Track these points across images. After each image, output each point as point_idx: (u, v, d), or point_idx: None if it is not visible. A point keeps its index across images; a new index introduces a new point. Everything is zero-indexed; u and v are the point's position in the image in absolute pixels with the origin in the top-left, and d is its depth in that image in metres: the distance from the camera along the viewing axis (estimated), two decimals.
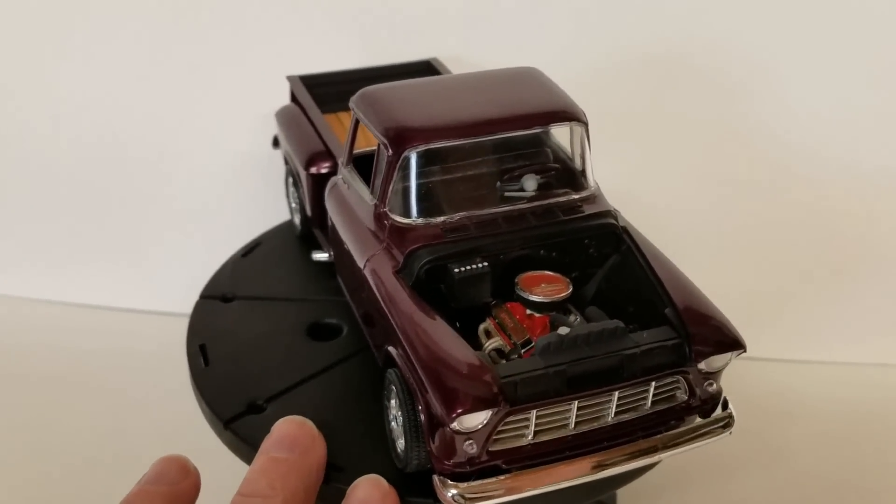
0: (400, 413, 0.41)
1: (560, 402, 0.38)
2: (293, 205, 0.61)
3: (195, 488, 0.41)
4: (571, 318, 0.43)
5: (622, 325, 0.39)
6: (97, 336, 0.74)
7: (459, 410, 0.36)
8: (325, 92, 0.62)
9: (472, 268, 0.42)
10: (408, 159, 0.44)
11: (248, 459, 0.44)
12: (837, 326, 0.70)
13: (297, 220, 0.61)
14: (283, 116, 0.62)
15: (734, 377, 0.43)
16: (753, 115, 0.67)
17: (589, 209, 0.45)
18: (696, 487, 0.60)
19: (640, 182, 0.65)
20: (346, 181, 0.49)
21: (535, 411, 0.38)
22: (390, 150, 0.44)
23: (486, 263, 0.43)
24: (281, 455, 0.40)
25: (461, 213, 0.44)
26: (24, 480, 0.61)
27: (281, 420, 0.42)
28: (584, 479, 0.39)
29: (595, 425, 0.39)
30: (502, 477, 0.38)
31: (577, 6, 0.65)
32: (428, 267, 0.42)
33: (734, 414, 0.42)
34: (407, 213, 0.44)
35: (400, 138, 0.43)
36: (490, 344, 0.42)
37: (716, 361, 0.40)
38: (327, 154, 0.55)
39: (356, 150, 0.50)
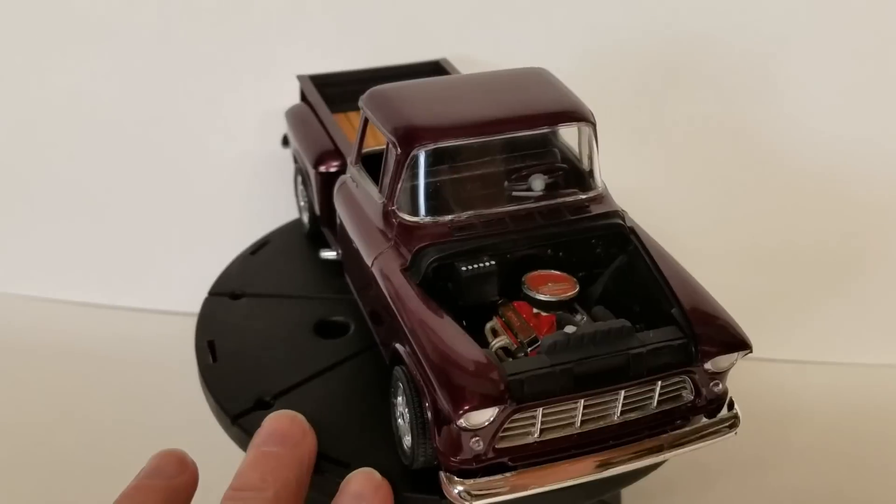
0: (407, 410, 0.41)
1: (566, 400, 0.38)
2: (302, 203, 0.62)
3: (193, 482, 0.41)
4: (578, 317, 0.43)
5: (629, 325, 0.39)
6: (106, 335, 0.74)
7: (466, 407, 0.36)
8: (335, 91, 0.63)
9: (479, 266, 0.43)
10: (416, 158, 0.44)
11: None
12: (843, 327, 0.70)
13: (305, 218, 0.61)
14: (292, 115, 0.62)
15: (739, 377, 0.43)
16: (758, 115, 0.67)
17: (596, 209, 0.45)
18: (699, 488, 0.60)
19: (645, 182, 0.65)
20: (355, 180, 0.50)
21: (541, 409, 0.38)
22: (399, 149, 0.44)
23: (493, 262, 0.43)
24: (272, 449, 0.40)
25: (469, 212, 0.44)
26: (32, 477, 0.61)
27: (271, 415, 0.43)
28: (589, 478, 0.39)
29: (601, 424, 0.40)
30: (508, 474, 0.38)
31: (584, 7, 0.66)
32: (435, 265, 0.42)
33: (740, 414, 0.42)
34: (415, 212, 0.44)
35: (409, 137, 0.44)
36: (496, 342, 0.42)
37: (722, 361, 0.40)
38: (336, 153, 0.56)
39: (365, 149, 0.50)
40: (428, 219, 0.44)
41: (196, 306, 0.55)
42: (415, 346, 0.39)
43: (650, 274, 0.43)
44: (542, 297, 0.43)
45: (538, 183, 0.46)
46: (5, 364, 0.71)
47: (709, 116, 0.68)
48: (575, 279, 0.44)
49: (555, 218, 0.44)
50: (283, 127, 0.64)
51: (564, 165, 0.47)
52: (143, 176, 0.74)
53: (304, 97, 0.64)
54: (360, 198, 0.49)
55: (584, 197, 0.46)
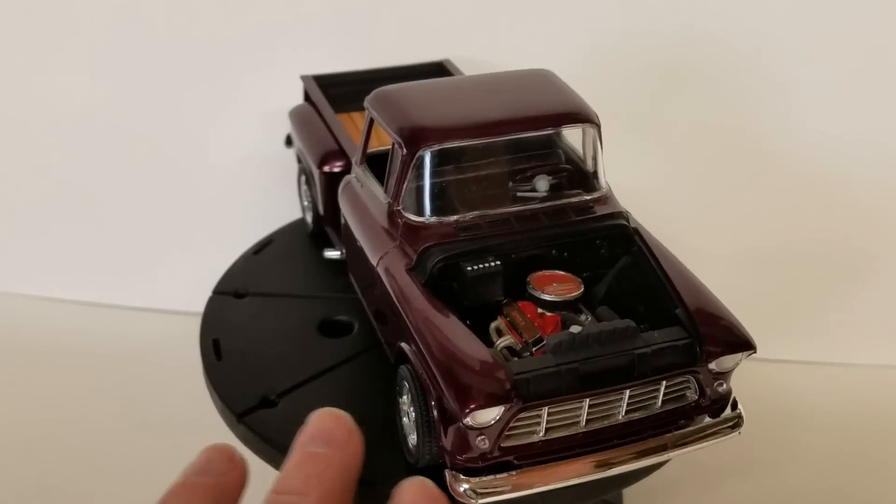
0: (412, 409, 0.41)
1: (571, 399, 0.38)
2: (305, 203, 0.62)
3: (242, 479, 0.39)
4: (582, 317, 0.43)
5: (633, 325, 0.40)
6: (111, 334, 0.74)
7: (473, 406, 0.36)
8: (338, 92, 0.63)
9: (484, 266, 0.43)
10: (422, 158, 0.44)
11: (261, 453, 0.45)
12: (845, 328, 0.71)
13: (308, 218, 0.61)
14: (296, 115, 0.62)
15: (742, 378, 0.43)
16: (760, 116, 0.68)
17: (600, 210, 0.46)
18: (701, 488, 0.60)
19: (646, 183, 0.66)
20: (360, 180, 0.50)
21: (546, 408, 0.38)
22: (405, 150, 0.44)
23: (498, 262, 0.43)
24: (317, 450, 0.38)
25: (474, 213, 0.44)
26: (35, 474, 0.61)
27: (316, 412, 0.40)
28: (593, 477, 0.39)
29: (605, 423, 0.40)
30: (513, 473, 0.38)
31: (587, 9, 0.66)
32: (441, 265, 0.43)
33: (743, 414, 0.42)
34: (420, 212, 0.44)
35: (414, 138, 0.44)
36: (501, 342, 0.43)
37: (726, 362, 0.40)
38: (340, 153, 0.56)
39: (369, 150, 0.50)
40: (433, 219, 0.44)
41: (199, 306, 0.55)
42: (420, 345, 0.39)
43: (654, 274, 0.43)
44: (546, 297, 0.43)
45: (543, 184, 0.46)
46: (11, 363, 0.71)
47: (710, 117, 0.68)
48: (579, 279, 0.44)
49: (559, 218, 0.45)
50: (286, 127, 0.64)
51: (569, 166, 0.47)
52: (146, 176, 0.74)
53: (307, 97, 0.64)
54: (365, 198, 0.49)
55: (588, 198, 0.46)
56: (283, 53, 0.69)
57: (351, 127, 0.60)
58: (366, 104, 0.48)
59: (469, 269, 0.43)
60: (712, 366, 0.40)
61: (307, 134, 0.59)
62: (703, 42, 0.66)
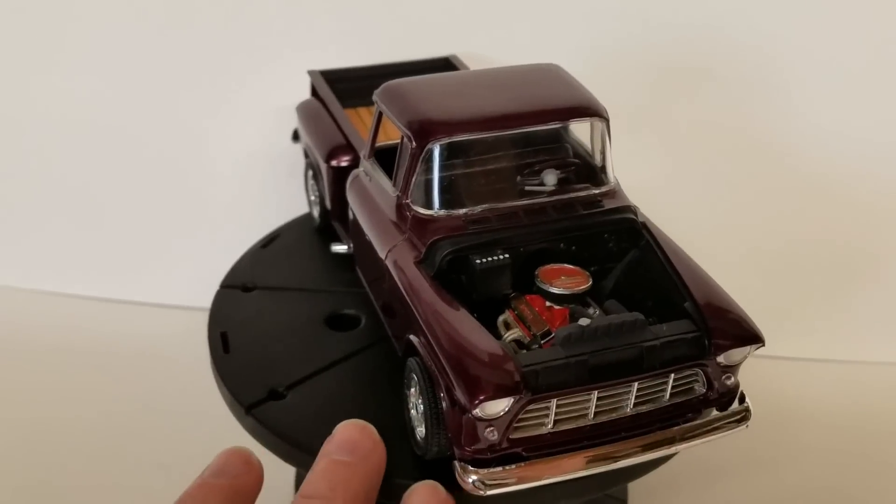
0: (420, 401, 0.41)
1: (580, 391, 0.38)
2: (312, 198, 0.62)
3: (258, 482, 0.40)
4: (591, 310, 0.44)
5: (642, 318, 0.40)
6: (117, 329, 0.74)
7: (482, 397, 0.36)
8: (345, 87, 0.63)
9: (493, 259, 0.43)
10: (431, 152, 0.44)
11: (269, 445, 0.45)
12: (850, 325, 0.71)
13: (315, 212, 0.62)
14: (303, 110, 0.62)
15: (746, 375, 0.43)
16: (764, 113, 0.68)
17: (609, 204, 0.46)
18: (706, 486, 0.60)
19: (650, 180, 0.66)
20: (368, 173, 0.50)
21: (555, 400, 0.38)
22: (414, 143, 0.44)
23: (507, 255, 0.43)
24: (342, 458, 0.40)
25: (483, 206, 0.45)
26: (39, 471, 0.61)
27: (342, 423, 0.42)
28: (601, 469, 0.39)
29: (614, 416, 0.40)
30: (522, 464, 0.39)
31: (592, 5, 0.66)
32: (450, 258, 0.43)
33: (751, 408, 0.42)
34: (429, 205, 0.45)
35: (424, 131, 0.44)
36: (509, 335, 0.43)
37: (734, 355, 0.40)
38: (348, 147, 0.56)
39: (377, 144, 0.50)
40: (442, 212, 0.44)
41: (206, 301, 0.55)
42: (430, 338, 0.39)
43: (662, 268, 0.43)
44: (555, 291, 0.43)
45: (551, 178, 0.46)
46: (16, 357, 0.72)
47: (715, 115, 0.68)
48: (588, 273, 0.44)
49: (568, 212, 0.45)
50: (293, 122, 0.65)
51: (577, 160, 0.47)
52: (152, 171, 0.74)
53: (314, 92, 0.64)
54: (373, 191, 0.49)
55: (596, 192, 0.46)
56: (290, 49, 0.69)
57: (358, 122, 0.61)
58: (375, 98, 0.48)
59: (478, 261, 0.43)
60: (720, 359, 0.40)
61: (314, 128, 0.59)
62: (708, 40, 0.66)
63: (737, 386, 0.42)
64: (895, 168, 0.67)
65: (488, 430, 0.38)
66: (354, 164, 0.54)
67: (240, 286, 0.55)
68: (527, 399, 0.37)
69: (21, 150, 0.76)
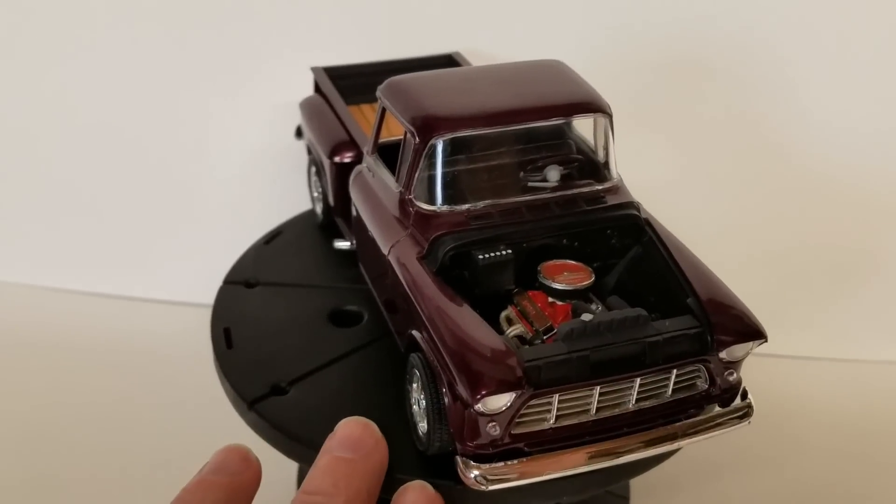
0: (422, 396, 0.41)
1: (582, 387, 0.38)
2: (315, 194, 0.62)
3: (257, 479, 0.41)
4: (593, 306, 0.43)
5: (645, 313, 0.40)
6: (121, 325, 0.74)
7: (484, 392, 0.36)
8: (348, 84, 0.63)
9: (496, 255, 0.43)
10: (434, 147, 0.44)
11: (272, 440, 0.45)
12: (852, 323, 0.71)
13: (318, 209, 0.62)
14: (306, 106, 0.62)
15: (747, 373, 0.43)
16: (769, 110, 0.68)
17: (612, 200, 0.46)
18: (708, 482, 0.60)
19: (654, 177, 0.66)
20: (371, 169, 0.50)
21: (557, 395, 0.38)
22: (417, 138, 0.44)
23: (509, 251, 0.43)
24: (345, 455, 0.40)
25: (485, 202, 0.44)
26: (47, 465, 0.62)
27: (345, 420, 0.42)
28: (604, 464, 0.39)
29: (616, 411, 0.40)
30: (524, 459, 0.39)
31: (598, 2, 0.66)
32: (452, 253, 0.43)
33: (753, 404, 0.42)
34: (432, 201, 0.45)
35: (427, 126, 0.44)
36: (511, 331, 0.43)
37: (737, 351, 0.40)
38: (351, 143, 0.56)
39: (380, 140, 0.50)
40: (445, 207, 0.44)
41: (207, 297, 0.55)
42: (432, 333, 0.39)
43: (665, 264, 0.43)
44: (557, 286, 0.43)
45: (553, 174, 0.46)
46: (19, 354, 0.72)
47: (718, 112, 0.68)
48: (590, 269, 0.44)
49: (570, 208, 0.45)
50: (295, 119, 0.65)
51: (580, 157, 0.47)
52: (155, 168, 0.74)
53: (317, 89, 0.64)
54: (376, 187, 0.49)
55: (599, 188, 0.46)
56: (293, 46, 0.69)
57: (361, 119, 0.61)
58: (378, 93, 0.48)
59: (480, 257, 0.43)
60: (723, 355, 0.40)
61: (318, 125, 0.59)
62: (713, 36, 0.66)
63: (739, 382, 0.42)
64: None
65: (490, 425, 0.38)
66: (357, 160, 0.54)
67: (243, 282, 0.55)
68: (529, 394, 0.37)
69: (25, 145, 0.76)
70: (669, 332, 0.39)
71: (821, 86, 0.66)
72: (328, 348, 0.50)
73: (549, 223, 0.44)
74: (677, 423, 0.41)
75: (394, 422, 0.44)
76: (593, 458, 0.39)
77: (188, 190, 0.75)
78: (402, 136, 0.46)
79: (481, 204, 0.44)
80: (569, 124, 0.48)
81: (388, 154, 0.49)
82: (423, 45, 0.66)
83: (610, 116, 0.46)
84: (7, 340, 0.73)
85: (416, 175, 0.44)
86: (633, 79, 0.67)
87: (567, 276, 0.43)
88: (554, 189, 0.46)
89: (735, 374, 0.41)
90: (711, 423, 0.41)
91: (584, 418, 0.39)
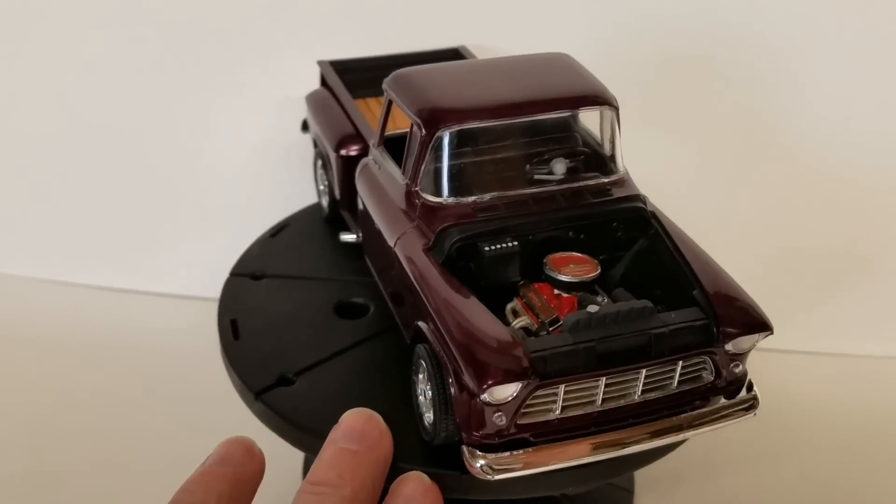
0: (428, 387, 0.41)
1: (588, 377, 0.39)
2: (321, 187, 0.62)
3: (260, 471, 0.41)
4: (599, 298, 0.44)
5: (651, 305, 0.40)
6: (126, 319, 0.75)
7: (490, 382, 0.36)
8: (354, 78, 0.63)
9: (502, 246, 0.43)
10: (440, 139, 0.44)
11: (278, 431, 0.45)
12: (854, 319, 0.71)
13: (324, 202, 0.62)
14: (313, 100, 0.62)
15: (751, 369, 0.43)
16: (774, 107, 0.67)
17: (618, 193, 0.46)
18: (710, 477, 0.60)
19: (657, 173, 0.66)
20: (378, 162, 0.50)
21: (563, 386, 0.38)
22: (424, 130, 0.44)
23: (515, 243, 0.43)
24: (350, 446, 0.40)
25: (491, 194, 0.45)
26: (52, 459, 0.62)
27: (349, 412, 0.42)
28: (609, 455, 0.39)
29: (621, 403, 0.40)
30: (530, 449, 0.39)
31: None
32: (458, 245, 0.43)
33: (759, 396, 0.42)
34: (438, 193, 0.45)
35: (433, 119, 0.44)
36: (517, 322, 0.43)
37: (743, 343, 0.40)
38: (357, 137, 0.56)
39: (386, 133, 0.50)
40: (451, 199, 0.44)
41: (214, 291, 0.55)
42: (439, 324, 0.40)
43: (671, 257, 0.43)
44: (563, 278, 0.43)
45: (560, 167, 0.46)
46: (26, 347, 0.72)
47: (723, 108, 0.68)
48: (596, 261, 0.44)
49: (577, 200, 0.45)
50: (301, 113, 0.65)
51: (586, 150, 0.47)
52: (162, 162, 0.75)
53: (324, 83, 0.64)
54: (382, 180, 0.49)
55: (605, 180, 0.46)
56: (299, 40, 0.70)
57: (367, 112, 0.61)
58: (384, 86, 0.48)
59: (487, 249, 0.43)
60: (729, 347, 0.40)
61: (324, 118, 0.59)
62: (724, 32, 0.66)
63: (745, 374, 0.42)
64: None
65: (496, 415, 0.38)
66: (364, 153, 0.54)
67: (249, 274, 0.56)
68: (535, 384, 0.37)
69: (31, 138, 0.76)
70: (675, 324, 0.39)
71: (827, 84, 0.66)
72: (334, 340, 0.50)
73: (556, 215, 0.44)
74: (683, 415, 0.41)
75: (399, 412, 0.44)
76: (598, 448, 0.39)
77: (194, 184, 0.75)
78: (407, 129, 0.46)
79: (487, 196, 0.44)
80: (575, 117, 0.48)
81: (394, 147, 0.49)
82: (428, 40, 0.66)
83: (616, 109, 0.46)
84: (12, 333, 0.73)
85: (423, 167, 0.45)
86: (639, 74, 0.67)
87: (573, 268, 0.43)
88: (560, 182, 0.46)
89: (741, 367, 0.42)
90: (717, 415, 0.41)
91: (589, 409, 0.40)
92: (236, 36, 0.70)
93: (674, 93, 0.68)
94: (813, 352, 0.70)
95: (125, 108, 0.73)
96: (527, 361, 0.37)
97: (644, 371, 0.39)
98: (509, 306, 0.44)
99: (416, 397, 0.43)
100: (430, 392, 0.41)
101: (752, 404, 0.42)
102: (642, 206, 0.45)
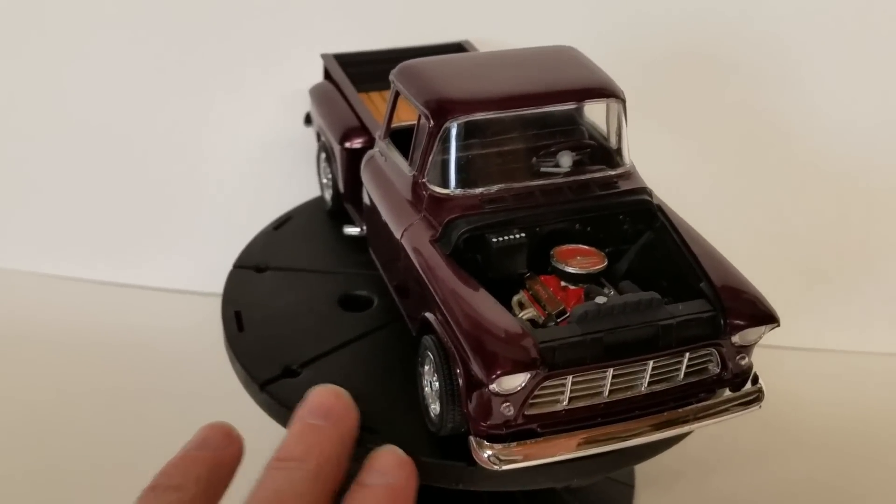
0: (435, 378, 0.41)
1: (596, 369, 0.39)
2: (324, 181, 0.62)
3: (238, 455, 0.41)
4: (605, 291, 0.44)
5: (658, 297, 0.40)
6: (130, 314, 0.75)
7: (499, 372, 0.36)
8: (358, 71, 0.63)
9: (509, 238, 0.43)
10: (448, 131, 0.44)
11: (283, 421, 0.45)
12: (854, 315, 0.71)
13: (327, 195, 0.62)
14: (317, 93, 0.62)
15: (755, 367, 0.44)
16: (777, 102, 0.68)
17: (624, 185, 0.46)
18: (711, 473, 0.60)
19: (661, 169, 0.66)
20: (384, 154, 0.50)
21: (570, 377, 0.38)
22: (431, 122, 0.44)
23: (523, 234, 0.44)
24: (316, 422, 0.41)
25: (499, 185, 0.45)
26: (53, 454, 0.62)
27: (315, 388, 0.43)
28: (616, 446, 0.40)
29: (628, 394, 0.40)
30: (537, 440, 0.39)
31: None
32: (466, 236, 0.43)
33: (764, 388, 0.42)
34: (445, 184, 0.45)
35: (441, 110, 0.44)
36: (524, 314, 0.43)
37: (749, 335, 0.40)
38: (362, 129, 0.56)
39: (393, 124, 0.50)
40: (458, 191, 0.44)
41: (217, 286, 0.55)
42: (447, 314, 0.40)
43: (678, 249, 0.43)
44: (570, 270, 0.43)
45: (566, 159, 0.46)
46: (28, 342, 0.72)
47: (728, 103, 0.68)
48: (603, 254, 0.44)
49: (583, 193, 0.45)
50: (305, 106, 0.65)
51: (592, 142, 0.47)
52: (165, 155, 0.75)
53: (327, 76, 0.64)
54: (388, 171, 0.49)
55: (612, 173, 0.46)
56: (303, 33, 0.69)
57: (370, 106, 0.61)
58: (391, 77, 0.48)
59: (494, 240, 0.43)
60: (735, 339, 0.40)
61: (328, 111, 0.59)
62: (723, 28, 0.66)
63: (751, 367, 0.42)
64: None
65: (504, 405, 0.38)
66: (368, 146, 0.54)
67: (252, 267, 0.56)
68: (543, 375, 0.38)
69: (35, 132, 0.76)
70: (683, 316, 0.39)
71: (831, 79, 0.66)
72: (339, 332, 0.50)
73: (562, 207, 0.44)
74: (689, 407, 0.41)
75: (406, 403, 0.44)
76: (605, 439, 0.39)
77: (197, 177, 0.75)
78: (413, 122, 0.46)
79: (495, 188, 0.45)
80: (581, 110, 0.48)
81: (400, 140, 0.49)
82: (432, 34, 0.66)
83: (623, 102, 0.46)
84: (14, 329, 0.73)
85: (430, 158, 0.45)
86: (643, 69, 0.67)
87: (580, 260, 0.44)
88: (567, 174, 0.46)
89: (747, 359, 0.42)
90: (722, 408, 0.42)
91: (596, 400, 0.40)
92: (239, 30, 0.70)
93: (677, 88, 0.68)
94: (813, 348, 0.71)
95: (128, 106, 0.73)
96: (536, 352, 0.37)
97: (651, 362, 0.40)
98: (515, 298, 0.44)
99: (422, 389, 0.43)
100: (436, 383, 0.41)
101: (757, 397, 0.42)
102: (648, 198, 0.45)
